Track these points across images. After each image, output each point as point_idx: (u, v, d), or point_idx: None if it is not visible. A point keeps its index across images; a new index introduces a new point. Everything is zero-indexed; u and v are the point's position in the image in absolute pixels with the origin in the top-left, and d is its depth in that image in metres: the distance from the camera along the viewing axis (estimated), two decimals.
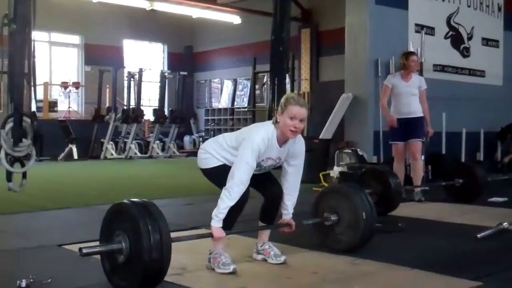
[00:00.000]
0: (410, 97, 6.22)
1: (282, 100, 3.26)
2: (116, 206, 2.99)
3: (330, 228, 3.81)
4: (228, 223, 3.26)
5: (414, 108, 6.23)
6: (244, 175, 3.15)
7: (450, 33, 9.50)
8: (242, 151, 3.19)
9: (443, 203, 6.11)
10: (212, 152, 3.37)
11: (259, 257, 3.53)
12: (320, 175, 7.70)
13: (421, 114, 6.27)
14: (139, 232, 2.77)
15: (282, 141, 3.28)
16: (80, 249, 2.82)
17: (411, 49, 8.54)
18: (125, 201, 2.94)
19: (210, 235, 3.22)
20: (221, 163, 3.33)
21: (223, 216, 3.16)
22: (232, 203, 3.15)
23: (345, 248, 3.74)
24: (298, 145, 3.39)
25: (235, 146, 3.29)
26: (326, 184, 7.37)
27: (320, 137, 8.66)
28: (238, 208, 3.24)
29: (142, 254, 2.75)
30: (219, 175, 3.29)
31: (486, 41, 10.15)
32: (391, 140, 6.46)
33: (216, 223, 3.17)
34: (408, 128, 6.20)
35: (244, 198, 3.22)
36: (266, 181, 3.47)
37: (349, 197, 3.78)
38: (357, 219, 3.69)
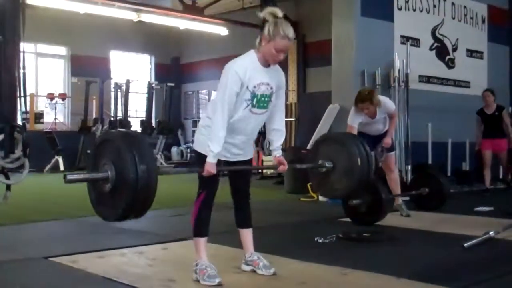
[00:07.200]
0: (379, 125, 5.81)
1: (271, 26, 3.13)
2: (102, 137, 3.01)
3: (325, 175, 3.76)
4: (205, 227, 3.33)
5: (384, 129, 5.85)
6: (223, 104, 3.11)
7: (435, 44, 9.61)
8: (221, 80, 3.16)
9: (428, 213, 6.13)
10: (208, 124, 3.26)
11: (248, 268, 3.51)
12: (308, 185, 7.71)
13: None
14: (125, 160, 2.75)
15: (265, 64, 3.25)
16: (65, 175, 2.81)
17: (397, 60, 8.63)
18: (111, 131, 2.95)
19: (201, 172, 3.18)
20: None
21: (218, 150, 3.11)
22: (221, 132, 3.11)
23: (340, 196, 3.68)
24: (280, 73, 3.37)
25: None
26: (314, 195, 7.39)
27: (308, 147, 8.68)
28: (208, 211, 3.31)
29: (128, 181, 2.74)
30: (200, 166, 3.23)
31: (471, 53, 10.27)
32: None
33: (212, 159, 3.13)
34: (379, 139, 5.83)
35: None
36: (241, 179, 3.49)
37: (344, 145, 3.73)
38: (351, 164, 3.65)
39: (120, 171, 2.80)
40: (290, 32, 3.17)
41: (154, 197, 2.86)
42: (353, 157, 3.65)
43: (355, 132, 5.55)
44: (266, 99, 3.27)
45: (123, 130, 3.01)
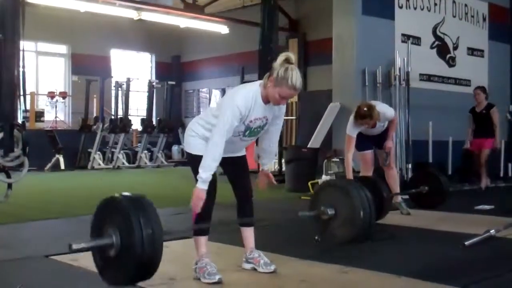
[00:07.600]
0: (378, 128, 5.76)
1: (282, 71, 3.13)
2: (107, 201, 2.96)
3: (327, 222, 3.80)
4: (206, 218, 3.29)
5: (383, 128, 5.85)
6: (222, 137, 3.12)
7: (436, 43, 9.61)
8: (222, 111, 3.16)
9: (428, 211, 6.13)
10: (198, 132, 3.32)
11: (249, 266, 3.52)
12: (309, 184, 7.72)
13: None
14: (131, 225, 2.73)
15: (267, 101, 3.26)
16: (70, 245, 2.79)
17: (398, 59, 8.63)
18: (115, 195, 2.92)
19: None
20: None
21: (208, 178, 3.11)
22: (214, 164, 3.12)
23: (339, 242, 3.75)
24: (281, 107, 3.39)
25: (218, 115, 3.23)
26: None
27: (309, 146, 8.70)
28: (209, 209, 3.28)
29: (133, 248, 2.72)
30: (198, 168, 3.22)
31: (472, 51, 10.27)
32: (359, 150, 5.82)
33: (201, 184, 3.11)
34: (378, 138, 5.86)
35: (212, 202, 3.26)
36: (239, 175, 3.50)
37: (347, 193, 3.79)
38: (353, 215, 3.69)
39: (125, 236, 2.78)
40: (298, 82, 3.15)
41: (160, 261, 2.86)
42: (355, 207, 3.71)
43: (353, 142, 5.52)
44: (258, 129, 3.35)
45: (126, 194, 2.98)
